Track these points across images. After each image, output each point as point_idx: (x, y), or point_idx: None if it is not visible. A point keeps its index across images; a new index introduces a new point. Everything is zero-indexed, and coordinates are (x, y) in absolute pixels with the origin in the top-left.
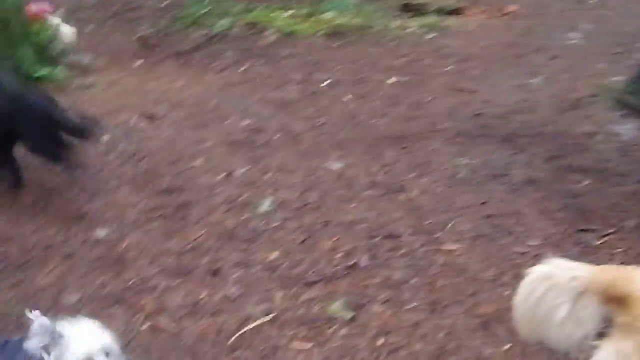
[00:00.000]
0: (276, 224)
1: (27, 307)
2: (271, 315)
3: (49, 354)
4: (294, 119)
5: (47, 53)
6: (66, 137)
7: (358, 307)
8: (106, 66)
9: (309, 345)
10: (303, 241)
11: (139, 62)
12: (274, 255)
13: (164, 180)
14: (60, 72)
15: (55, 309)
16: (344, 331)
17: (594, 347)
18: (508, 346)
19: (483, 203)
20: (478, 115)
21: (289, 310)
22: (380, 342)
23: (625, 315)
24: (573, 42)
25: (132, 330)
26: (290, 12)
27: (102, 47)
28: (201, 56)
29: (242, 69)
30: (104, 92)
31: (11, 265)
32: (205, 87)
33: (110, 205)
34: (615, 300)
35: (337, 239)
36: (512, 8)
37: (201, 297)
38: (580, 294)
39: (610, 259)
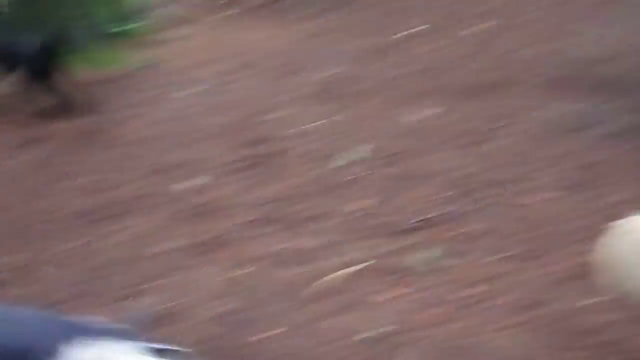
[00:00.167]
0: (368, 172)
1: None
2: (365, 264)
3: None
4: (384, 66)
5: (123, 9)
6: None
7: (451, 256)
8: (197, 17)
9: (399, 292)
10: (395, 189)
11: (228, 12)
12: (367, 202)
13: (250, 130)
14: (140, 28)
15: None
16: (431, 280)
17: None
18: (603, 298)
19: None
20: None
21: (383, 258)
22: (469, 291)
23: None
24: None
25: (228, 277)
26: None
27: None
28: (288, 5)
29: (334, 15)
30: (193, 42)
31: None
32: (294, 36)
33: (199, 155)
34: None
35: (428, 188)
36: None
37: (294, 244)
38: None
39: None
